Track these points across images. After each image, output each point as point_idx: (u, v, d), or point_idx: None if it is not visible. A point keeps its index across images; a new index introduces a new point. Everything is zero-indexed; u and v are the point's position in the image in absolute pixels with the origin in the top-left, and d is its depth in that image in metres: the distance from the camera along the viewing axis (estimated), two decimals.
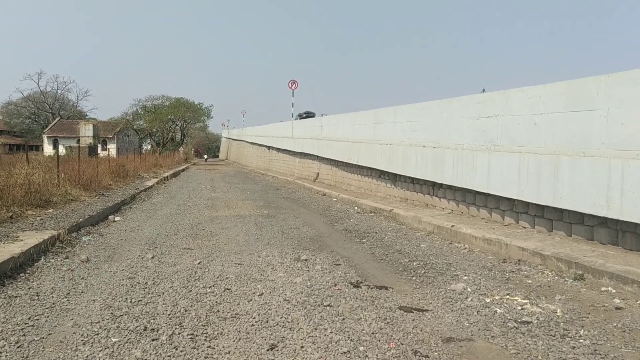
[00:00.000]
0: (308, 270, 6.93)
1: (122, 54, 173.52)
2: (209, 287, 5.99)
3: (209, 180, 28.27)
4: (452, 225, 9.15)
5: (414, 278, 6.53)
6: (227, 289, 5.94)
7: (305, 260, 7.58)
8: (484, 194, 9.57)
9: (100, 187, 17.17)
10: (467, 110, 9.99)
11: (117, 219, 11.92)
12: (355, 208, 14.39)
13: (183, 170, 39.30)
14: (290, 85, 30.72)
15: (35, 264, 7.03)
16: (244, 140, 53.87)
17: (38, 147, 73.01)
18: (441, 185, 11.46)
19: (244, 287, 6.07)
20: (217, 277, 6.47)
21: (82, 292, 5.77)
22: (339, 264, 7.36)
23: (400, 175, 13.81)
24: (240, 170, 40.73)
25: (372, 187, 16.24)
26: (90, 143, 68.71)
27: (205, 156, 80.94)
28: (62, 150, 62.25)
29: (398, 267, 7.18)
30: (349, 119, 18.44)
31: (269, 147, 38.00)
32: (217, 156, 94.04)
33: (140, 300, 5.41)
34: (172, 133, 78.45)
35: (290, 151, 30.07)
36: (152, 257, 7.64)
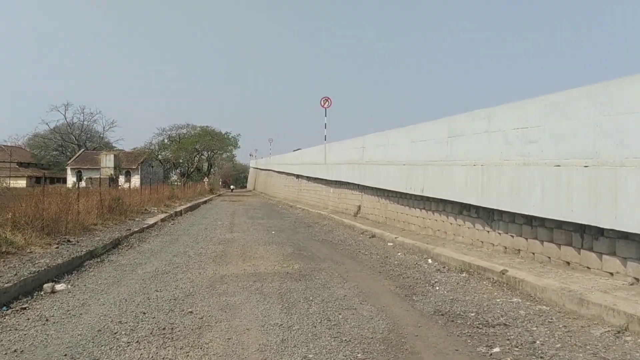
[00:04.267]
0: None
1: (146, 83, 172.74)
2: None
3: (229, 214, 23.86)
4: None
5: None
6: None
7: None
8: None
9: (78, 229, 12.82)
10: None
11: (59, 287, 7.41)
12: (430, 261, 9.61)
13: (204, 202, 35.03)
14: (322, 104, 26.44)
15: None
16: (271, 170, 49.74)
17: (64, 180, 70.31)
18: (602, 231, 6.63)
19: None
20: None
21: None
22: None
23: (502, 212, 9.01)
24: (267, 202, 36.32)
25: (446, 227, 11.43)
26: (111, 174, 65.71)
27: (232, 187, 77.39)
28: (83, 182, 59.23)
29: None
30: (405, 135, 13.79)
31: (297, 176, 33.61)
32: (245, 186, 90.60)
33: None
34: (198, 163, 75.37)
35: (322, 180, 25.55)
36: None
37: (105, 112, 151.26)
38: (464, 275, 8.23)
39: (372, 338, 5.14)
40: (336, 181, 22.40)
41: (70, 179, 69.38)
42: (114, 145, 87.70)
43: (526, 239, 8.33)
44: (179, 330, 5.40)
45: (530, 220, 8.22)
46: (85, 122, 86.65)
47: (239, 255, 10.71)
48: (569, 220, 6.96)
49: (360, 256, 10.64)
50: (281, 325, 5.61)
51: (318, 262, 9.84)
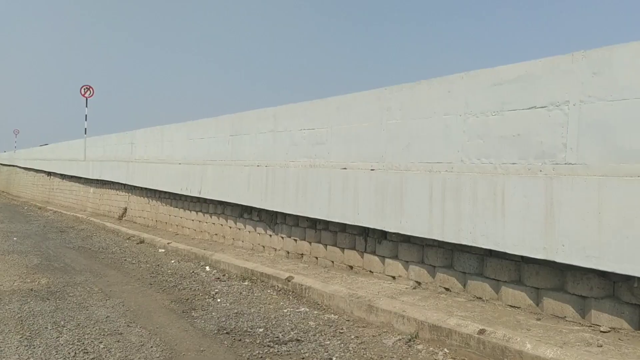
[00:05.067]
0: None
1: None
2: None
3: None
4: (481, 331, 4.32)
5: None
6: None
7: None
8: (500, 256, 5.07)
9: None
10: (472, 98, 5.43)
11: None
12: (208, 269, 8.79)
13: None
14: (83, 93, 23.48)
15: None
16: (15, 166, 42.78)
17: None
18: (385, 234, 6.68)
19: None
20: None
21: None
22: None
23: (286, 215, 8.69)
24: (10, 203, 30.88)
25: (225, 231, 10.74)
26: None
27: None
28: None
29: None
30: (183, 132, 12.73)
31: (49, 174, 29.33)
32: None
33: None
34: None
35: (81, 178, 22.59)
36: None
37: None
38: (246, 283, 7.61)
39: None
40: (98, 180, 19.94)
41: None
42: None
43: (310, 242, 8.12)
44: None
45: (314, 223, 8.02)
46: None
47: None
48: (356, 224, 6.88)
49: (127, 265, 9.26)
50: None
51: (73, 275, 8.21)
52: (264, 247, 9.33)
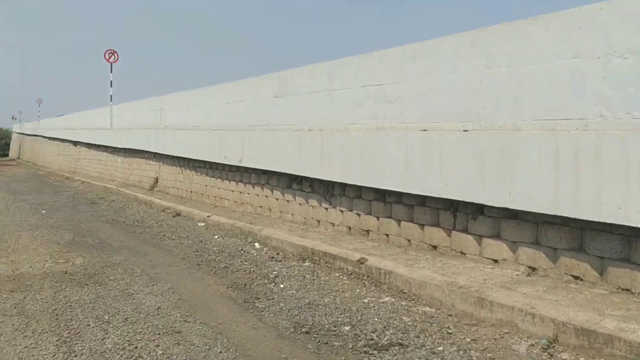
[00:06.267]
0: None
1: None
2: None
3: None
4: None
5: None
6: None
7: None
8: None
9: None
10: (617, 34, 4.23)
11: None
12: (257, 246, 7.83)
13: None
14: (107, 58, 22.52)
15: None
16: (40, 136, 42.40)
17: None
18: (481, 209, 5.58)
19: None
20: None
21: None
22: None
23: (345, 186, 7.63)
24: (36, 173, 30.40)
25: (272, 204, 9.74)
26: None
27: None
28: None
29: None
30: (218, 95, 11.67)
31: (75, 143, 28.68)
32: (7, 155, 76.95)
33: None
34: None
35: (108, 147, 21.80)
36: None
37: None
38: (307, 264, 6.62)
39: None
40: (126, 149, 19.11)
41: None
42: None
43: (377, 217, 7.06)
44: None
45: (382, 195, 6.95)
46: None
47: None
48: (442, 197, 5.78)
49: (167, 242, 8.38)
50: None
51: (110, 254, 7.35)
52: (318, 221, 8.32)
